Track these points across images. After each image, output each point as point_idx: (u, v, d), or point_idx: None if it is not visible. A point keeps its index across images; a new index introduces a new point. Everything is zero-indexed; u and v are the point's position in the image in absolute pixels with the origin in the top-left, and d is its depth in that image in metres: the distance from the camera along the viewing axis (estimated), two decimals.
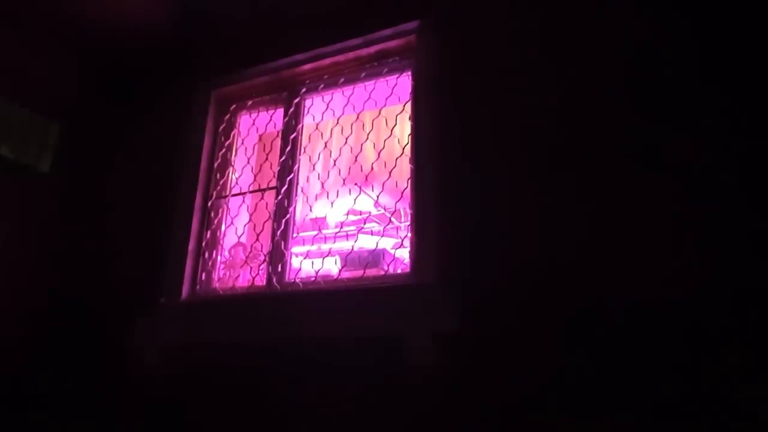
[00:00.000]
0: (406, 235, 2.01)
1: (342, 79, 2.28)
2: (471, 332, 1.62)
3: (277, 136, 2.35)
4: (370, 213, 2.24)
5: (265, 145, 2.50)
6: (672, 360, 1.38)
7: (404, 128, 2.16)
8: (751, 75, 1.53)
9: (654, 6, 1.72)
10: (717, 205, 1.46)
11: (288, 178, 2.23)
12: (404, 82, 2.19)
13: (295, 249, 2.24)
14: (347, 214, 2.32)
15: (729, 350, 1.34)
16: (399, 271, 2.03)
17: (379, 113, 2.21)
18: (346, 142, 2.25)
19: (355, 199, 2.18)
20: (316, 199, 2.39)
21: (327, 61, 2.27)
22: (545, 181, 1.69)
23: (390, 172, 2.08)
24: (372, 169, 2.19)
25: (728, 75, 1.56)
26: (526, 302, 1.59)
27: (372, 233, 2.16)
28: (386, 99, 2.20)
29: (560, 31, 1.85)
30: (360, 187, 2.17)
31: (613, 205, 1.58)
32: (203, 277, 2.25)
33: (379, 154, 2.16)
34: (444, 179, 1.86)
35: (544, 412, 1.47)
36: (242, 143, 2.48)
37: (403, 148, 2.06)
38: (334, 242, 2.21)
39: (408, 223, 1.99)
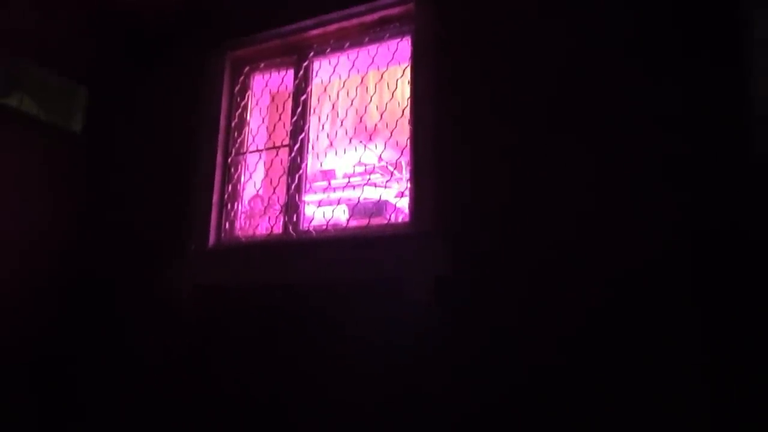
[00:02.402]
0: (407, 187, 2.26)
1: (347, 44, 2.47)
2: (462, 275, 1.90)
3: (289, 97, 2.56)
4: (374, 166, 2.48)
5: (277, 105, 2.71)
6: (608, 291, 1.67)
7: (405, 90, 2.36)
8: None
9: None
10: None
11: (300, 137, 2.46)
12: (405, 46, 2.37)
13: (308, 197, 2.50)
14: (355, 166, 2.56)
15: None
16: (401, 219, 2.29)
17: (381, 77, 2.41)
18: (351, 104, 2.47)
19: (360, 157, 2.42)
20: (325, 154, 2.62)
21: (333, 26, 2.45)
22: (532, 143, 1.92)
23: (392, 132, 2.31)
24: (376, 128, 2.42)
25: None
26: (510, 249, 1.86)
27: (376, 186, 2.41)
28: (388, 63, 2.40)
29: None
30: (364, 144, 2.41)
31: (585, 168, 1.81)
32: (227, 227, 2.53)
33: (381, 115, 2.38)
34: (440, 137, 2.08)
35: (521, 340, 1.77)
36: (257, 104, 2.69)
37: (403, 111, 2.28)
38: (343, 191, 2.47)
39: (408, 176, 2.23)
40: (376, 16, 2.37)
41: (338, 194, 2.43)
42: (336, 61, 2.53)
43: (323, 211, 2.45)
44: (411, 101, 2.21)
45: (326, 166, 2.63)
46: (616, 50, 1.86)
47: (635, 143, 1.76)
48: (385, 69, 2.44)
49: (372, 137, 2.44)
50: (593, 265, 1.73)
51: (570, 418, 1.66)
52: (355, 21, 2.41)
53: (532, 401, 1.72)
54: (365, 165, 2.51)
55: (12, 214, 2.41)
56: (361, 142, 2.45)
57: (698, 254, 1.62)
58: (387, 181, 2.39)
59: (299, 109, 2.49)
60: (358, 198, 2.36)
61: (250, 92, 2.69)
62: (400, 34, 2.37)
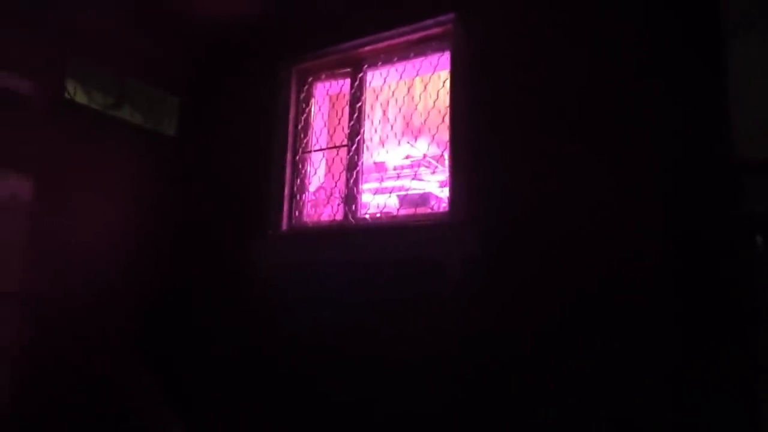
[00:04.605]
0: (446, 181, 2.68)
1: (395, 58, 2.90)
2: (489, 257, 2.34)
3: (346, 104, 3.01)
4: (420, 160, 2.91)
5: (336, 109, 3.17)
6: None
7: (446, 97, 2.77)
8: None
9: None
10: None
11: (356, 138, 2.92)
12: (444, 59, 2.77)
13: (364, 186, 2.96)
14: (404, 158, 3.00)
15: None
16: (442, 207, 2.73)
17: (425, 88, 2.84)
18: (400, 110, 2.91)
19: (408, 152, 2.87)
20: (378, 150, 3.07)
21: (383, 44, 2.88)
22: (552, 148, 2.31)
23: (433, 137, 2.74)
24: (421, 128, 2.85)
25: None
26: (527, 237, 2.28)
27: (421, 179, 2.85)
28: (431, 74, 2.82)
29: (571, 23, 2.37)
30: (410, 143, 2.85)
31: (594, 172, 2.20)
32: (296, 214, 3.04)
33: (425, 121, 2.81)
34: (474, 140, 2.49)
35: (531, 309, 2.20)
36: (319, 109, 3.17)
37: (443, 117, 2.70)
38: (396, 180, 2.92)
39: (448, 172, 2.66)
40: (419, 35, 2.78)
41: (390, 183, 2.89)
42: (386, 72, 2.96)
43: (377, 200, 2.92)
44: (450, 108, 2.63)
45: (379, 159, 3.08)
46: (627, 72, 2.21)
47: (637, 153, 2.13)
48: (428, 79, 2.85)
49: (417, 136, 2.87)
50: (592, 253, 2.13)
51: (567, 376, 2.10)
52: (402, 39, 2.83)
53: (536, 359, 2.16)
54: (412, 158, 2.94)
55: (128, 203, 2.98)
56: (408, 142, 2.89)
57: (682, 247, 2.00)
58: (432, 173, 2.83)
59: (356, 114, 2.95)
60: (406, 190, 2.81)
61: (313, 99, 3.17)
62: (440, 49, 2.77)
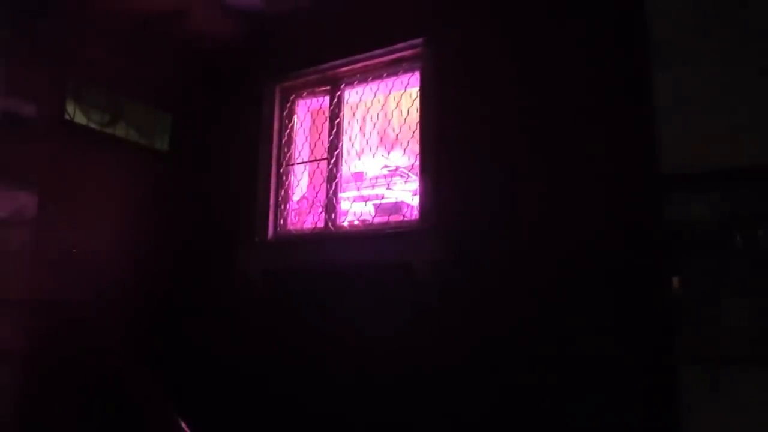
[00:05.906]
0: (417, 191, 2.93)
1: (370, 77, 3.14)
2: (454, 260, 2.59)
3: (325, 120, 3.26)
4: (393, 171, 3.15)
5: (315, 120, 3.41)
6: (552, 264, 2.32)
7: (415, 114, 3.02)
8: None
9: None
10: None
11: (335, 152, 3.16)
12: (414, 79, 3.02)
13: (343, 194, 3.19)
14: (381, 168, 3.24)
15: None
16: (414, 214, 2.97)
17: (398, 104, 3.09)
18: (374, 126, 3.16)
19: (383, 165, 3.12)
20: (355, 162, 3.32)
21: (359, 65, 3.13)
22: (512, 163, 2.56)
23: (405, 150, 2.99)
24: (393, 141, 3.10)
25: None
26: (489, 243, 2.53)
27: (392, 189, 3.10)
28: (401, 94, 3.07)
29: (522, 52, 2.63)
30: (384, 156, 3.10)
31: (549, 185, 2.46)
32: (281, 223, 3.28)
33: (397, 135, 3.06)
34: (441, 153, 2.74)
35: (493, 307, 2.45)
36: (301, 124, 3.41)
37: (413, 132, 2.95)
38: (372, 189, 3.16)
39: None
40: (392, 57, 3.03)
41: (366, 192, 3.13)
42: (362, 90, 3.20)
43: (355, 208, 3.16)
44: (419, 123, 2.88)
45: (356, 170, 3.32)
46: (573, 95, 2.47)
47: (580, 169, 2.39)
48: (400, 97, 3.10)
49: (391, 149, 3.12)
50: (544, 255, 2.39)
51: (524, 363, 2.35)
52: (376, 60, 3.08)
53: (498, 350, 2.41)
54: (388, 167, 3.19)
55: (125, 215, 3.21)
56: (382, 154, 3.14)
57: (615, 242, 2.25)
58: (405, 182, 3.07)
59: (334, 130, 3.19)
60: (381, 199, 3.05)
61: (295, 115, 3.41)
62: (411, 70, 3.02)
